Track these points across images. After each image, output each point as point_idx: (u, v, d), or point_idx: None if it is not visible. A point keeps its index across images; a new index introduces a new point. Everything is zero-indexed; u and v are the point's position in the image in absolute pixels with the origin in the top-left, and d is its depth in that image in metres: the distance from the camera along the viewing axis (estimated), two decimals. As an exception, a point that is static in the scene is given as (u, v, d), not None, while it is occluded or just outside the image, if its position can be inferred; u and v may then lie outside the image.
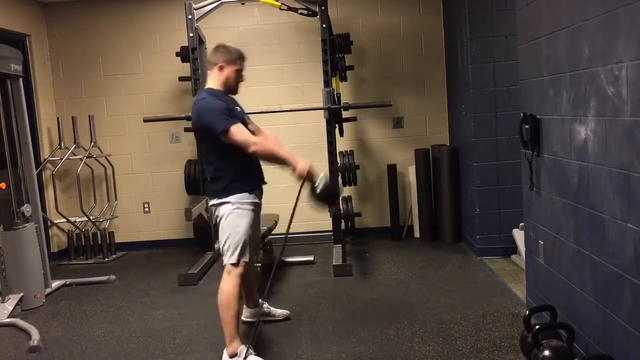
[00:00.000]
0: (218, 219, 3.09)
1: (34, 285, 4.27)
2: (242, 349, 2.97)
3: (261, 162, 3.22)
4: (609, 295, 2.40)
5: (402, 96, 5.80)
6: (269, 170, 5.34)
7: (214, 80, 3.12)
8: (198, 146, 3.12)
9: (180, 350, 3.33)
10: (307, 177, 2.98)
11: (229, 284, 3.01)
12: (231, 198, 3.03)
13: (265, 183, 3.28)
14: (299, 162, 2.97)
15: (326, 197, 3.06)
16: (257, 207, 3.17)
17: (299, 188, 3.07)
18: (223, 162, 3.03)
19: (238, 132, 2.93)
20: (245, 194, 3.06)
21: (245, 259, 3.05)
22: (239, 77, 3.15)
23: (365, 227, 5.88)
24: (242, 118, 3.14)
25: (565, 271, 2.86)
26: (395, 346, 3.16)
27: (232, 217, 3.03)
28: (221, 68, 3.09)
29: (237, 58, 3.13)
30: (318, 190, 2.99)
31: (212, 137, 2.96)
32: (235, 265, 3.02)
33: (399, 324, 3.48)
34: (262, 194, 3.26)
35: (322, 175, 3.03)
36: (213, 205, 3.10)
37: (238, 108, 3.15)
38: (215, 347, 3.26)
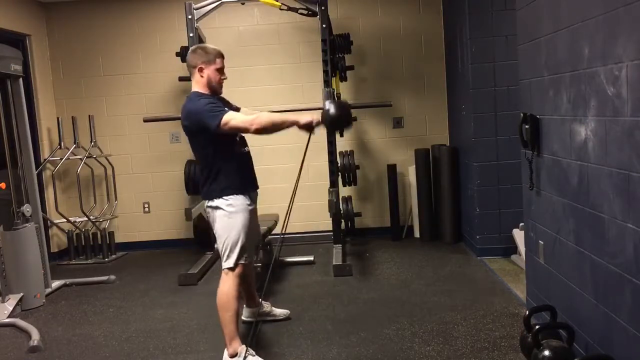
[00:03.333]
0: (212, 221, 3.08)
1: (34, 285, 4.27)
2: (242, 349, 2.97)
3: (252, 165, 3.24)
4: (609, 295, 2.40)
5: (402, 96, 5.80)
6: (267, 170, 5.34)
7: (197, 83, 3.08)
8: (193, 148, 3.11)
9: (180, 350, 3.33)
10: (315, 126, 2.95)
11: (227, 285, 3.01)
12: (225, 200, 3.02)
13: (257, 188, 3.27)
14: (301, 117, 2.94)
15: (340, 118, 2.95)
16: (251, 209, 3.15)
17: (307, 143, 3.03)
18: (218, 164, 3.02)
19: (232, 118, 2.89)
20: (240, 197, 3.05)
21: (242, 260, 3.05)
22: (220, 75, 3.10)
23: (365, 227, 5.88)
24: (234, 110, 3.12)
25: (565, 271, 2.86)
26: (395, 346, 3.16)
27: (227, 219, 3.02)
28: (201, 70, 3.05)
29: (215, 57, 3.07)
30: (331, 112, 2.89)
31: (206, 136, 2.94)
32: (232, 269, 3.02)
33: (399, 324, 3.48)
34: (256, 196, 3.26)
35: (328, 102, 2.98)
36: (208, 206, 3.09)
37: (227, 109, 3.06)
38: (215, 347, 3.27)
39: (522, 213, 3.56)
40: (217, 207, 3.03)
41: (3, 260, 4.16)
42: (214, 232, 3.09)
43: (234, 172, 3.05)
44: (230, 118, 2.89)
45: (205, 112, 2.91)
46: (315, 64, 5.40)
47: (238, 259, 3.02)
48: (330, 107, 2.91)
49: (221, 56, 3.11)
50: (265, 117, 2.94)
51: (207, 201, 3.09)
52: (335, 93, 5.08)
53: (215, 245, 3.07)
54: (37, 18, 5.73)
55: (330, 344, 3.25)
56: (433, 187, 5.65)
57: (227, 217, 3.02)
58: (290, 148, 5.78)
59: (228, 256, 3.01)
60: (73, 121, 5.68)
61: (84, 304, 4.30)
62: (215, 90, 3.10)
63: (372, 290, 4.19)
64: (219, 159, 3.02)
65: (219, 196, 3.02)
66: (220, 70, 3.10)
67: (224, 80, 3.14)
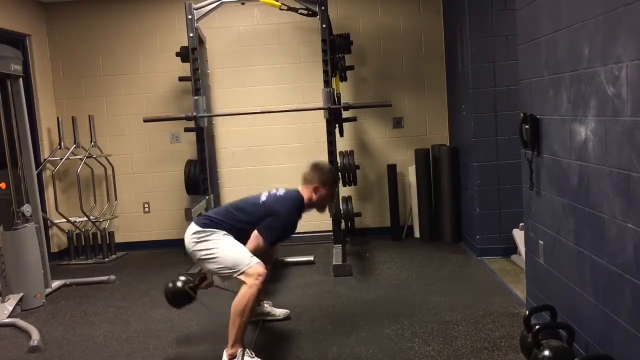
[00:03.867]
0: (203, 255, 3.08)
1: (34, 285, 4.27)
2: (240, 351, 2.96)
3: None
4: (609, 295, 2.40)
5: (402, 96, 5.80)
6: (267, 170, 5.30)
7: (306, 193, 3.26)
8: (251, 211, 3.23)
9: (180, 350, 3.33)
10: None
11: (251, 287, 2.94)
12: (212, 230, 3.08)
13: None
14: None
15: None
16: None
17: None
18: (243, 233, 3.12)
19: (261, 249, 3.10)
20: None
21: (255, 259, 3.01)
22: (329, 201, 3.37)
23: (365, 227, 5.88)
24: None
25: (565, 271, 2.86)
26: (395, 346, 3.16)
27: (210, 243, 3.05)
28: (317, 190, 3.25)
29: (334, 187, 3.41)
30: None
31: (258, 221, 3.13)
32: (249, 267, 2.97)
33: (399, 324, 3.48)
34: None
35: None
36: (194, 233, 3.10)
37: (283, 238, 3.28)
38: (215, 347, 3.26)
39: (522, 213, 3.56)
40: (207, 236, 3.07)
41: (3, 260, 4.16)
42: (210, 269, 3.10)
43: (240, 240, 3.13)
44: (264, 249, 3.12)
45: (283, 229, 3.16)
46: (315, 64, 5.40)
47: (249, 260, 2.98)
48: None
49: (336, 186, 3.43)
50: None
51: (197, 226, 3.11)
52: (335, 93, 5.08)
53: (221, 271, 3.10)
54: (37, 18, 5.73)
55: (330, 344, 3.25)
56: (433, 187, 5.65)
57: (209, 241, 3.06)
58: (291, 148, 5.80)
59: (239, 265, 2.98)
60: (73, 121, 5.68)
61: (84, 304, 4.30)
62: (316, 208, 3.35)
63: (372, 290, 4.19)
64: (246, 233, 3.12)
65: (213, 228, 3.09)
66: (331, 198, 3.37)
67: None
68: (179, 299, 3.15)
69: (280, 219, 3.14)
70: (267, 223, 3.13)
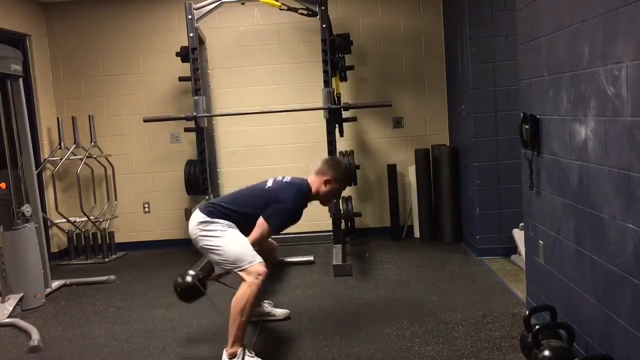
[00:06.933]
0: (204, 244, 3.09)
1: (34, 285, 4.27)
2: (240, 349, 2.96)
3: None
4: (609, 295, 2.40)
5: (402, 96, 5.80)
6: (268, 170, 5.32)
7: (316, 184, 3.26)
8: (254, 198, 3.24)
9: (180, 350, 3.33)
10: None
11: (251, 286, 2.93)
12: (221, 220, 3.08)
13: None
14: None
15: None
16: None
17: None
18: (248, 220, 3.12)
19: (266, 236, 3.15)
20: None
21: (258, 258, 3.01)
22: (335, 198, 3.39)
23: (365, 227, 5.88)
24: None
25: (565, 271, 2.86)
26: (395, 346, 3.16)
27: (215, 233, 3.05)
28: (329, 182, 3.25)
29: (345, 184, 3.37)
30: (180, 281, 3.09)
31: (263, 207, 3.12)
32: (251, 265, 2.97)
33: (399, 324, 3.48)
34: None
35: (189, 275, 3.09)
36: (200, 223, 3.10)
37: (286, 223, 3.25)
38: (215, 347, 3.26)
39: (522, 213, 3.56)
40: (213, 226, 3.07)
41: (3, 260, 4.16)
42: (212, 259, 3.11)
43: (243, 229, 3.12)
44: (266, 235, 3.15)
45: (285, 216, 3.15)
46: (315, 64, 5.40)
47: (251, 256, 2.98)
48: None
49: (349, 185, 3.38)
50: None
51: (202, 216, 3.10)
52: (335, 93, 5.07)
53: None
54: (37, 18, 5.73)
55: (330, 344, 3.25)
56: (433, 187, 5.65)
57: (218, 231, 3.05)
58: (291, 148, 5.80)
59: (240, 259, 2.98)
60: (73, 121, 5.68)
61: (84, 304, 4.30)
62: (320, 201, 3.33)
63: (372, 290, 4.19)
64: (251, 221, 3.13)
65: (217, 218, 3.08)
66: (338, 194, 3.35)
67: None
68: (189, 293, 3.10)
69: (285, 205, 3.13)
70: (272, 209, 3.12)
